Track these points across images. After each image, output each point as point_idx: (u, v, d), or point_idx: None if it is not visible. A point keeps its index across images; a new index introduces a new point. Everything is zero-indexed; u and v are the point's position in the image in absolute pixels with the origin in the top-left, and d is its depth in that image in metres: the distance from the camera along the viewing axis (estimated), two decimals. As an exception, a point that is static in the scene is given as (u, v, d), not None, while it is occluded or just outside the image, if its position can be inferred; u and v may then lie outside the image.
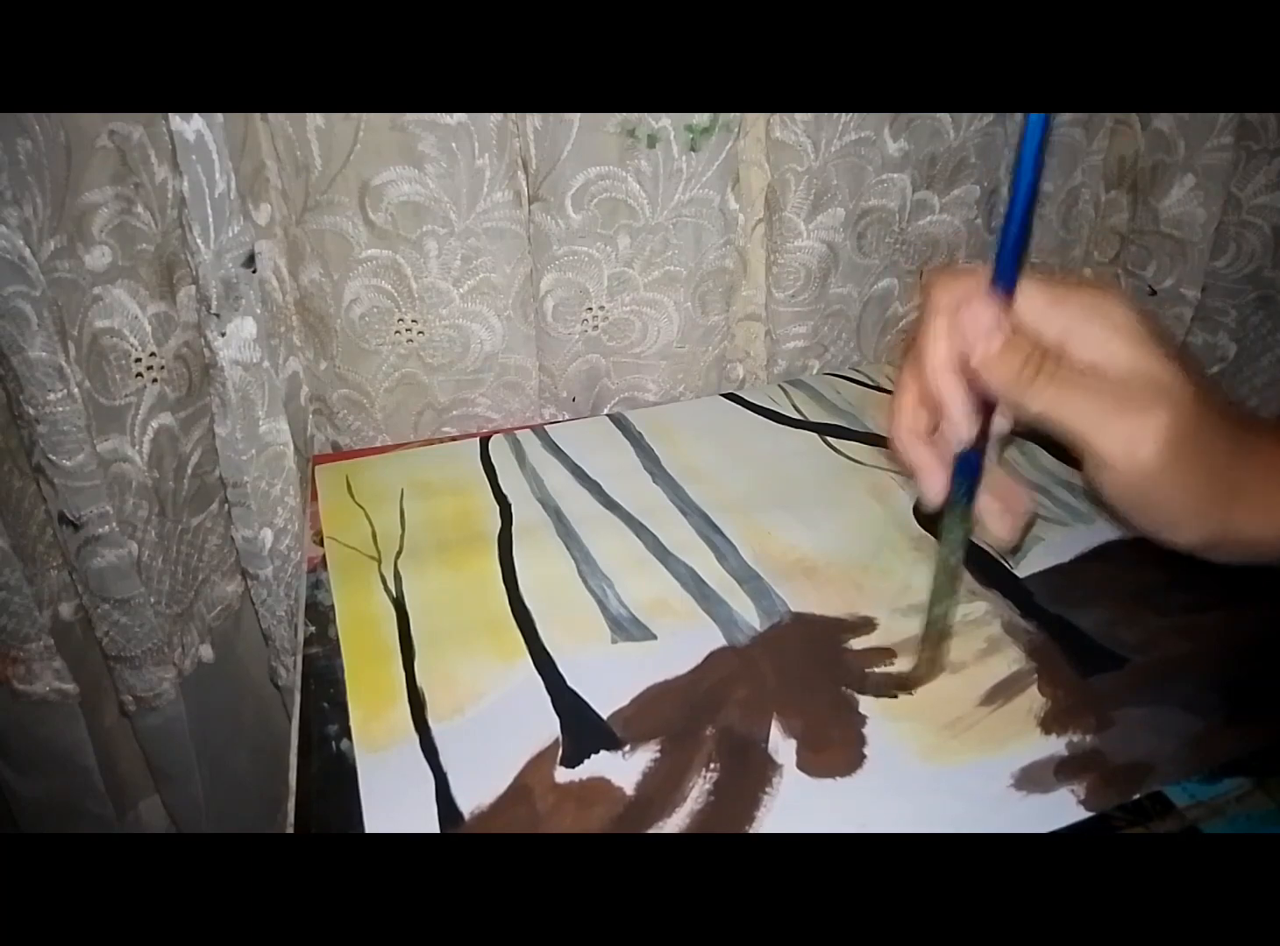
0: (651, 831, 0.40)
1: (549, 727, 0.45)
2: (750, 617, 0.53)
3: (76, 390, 0.55)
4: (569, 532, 0.60)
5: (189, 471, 0.66)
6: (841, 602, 0.54)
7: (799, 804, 0.41)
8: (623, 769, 0.43)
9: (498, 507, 0.63)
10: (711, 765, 0.43)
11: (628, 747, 0.44)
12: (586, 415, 0.78)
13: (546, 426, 0.74)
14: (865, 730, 0.45)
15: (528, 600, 0.54)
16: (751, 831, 0.40)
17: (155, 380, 0.61)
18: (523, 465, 0.68)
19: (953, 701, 0.47)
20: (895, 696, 0.47)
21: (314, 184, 0.63)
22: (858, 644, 0.51)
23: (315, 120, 0.60)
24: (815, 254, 0.76)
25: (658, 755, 0.44)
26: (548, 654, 0.50)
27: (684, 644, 0.51)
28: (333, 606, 0.54)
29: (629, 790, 0.42)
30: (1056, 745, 0.44)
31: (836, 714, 0.46)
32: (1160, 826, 0.40)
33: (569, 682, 0.48)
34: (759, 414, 0.76)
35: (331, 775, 0.43)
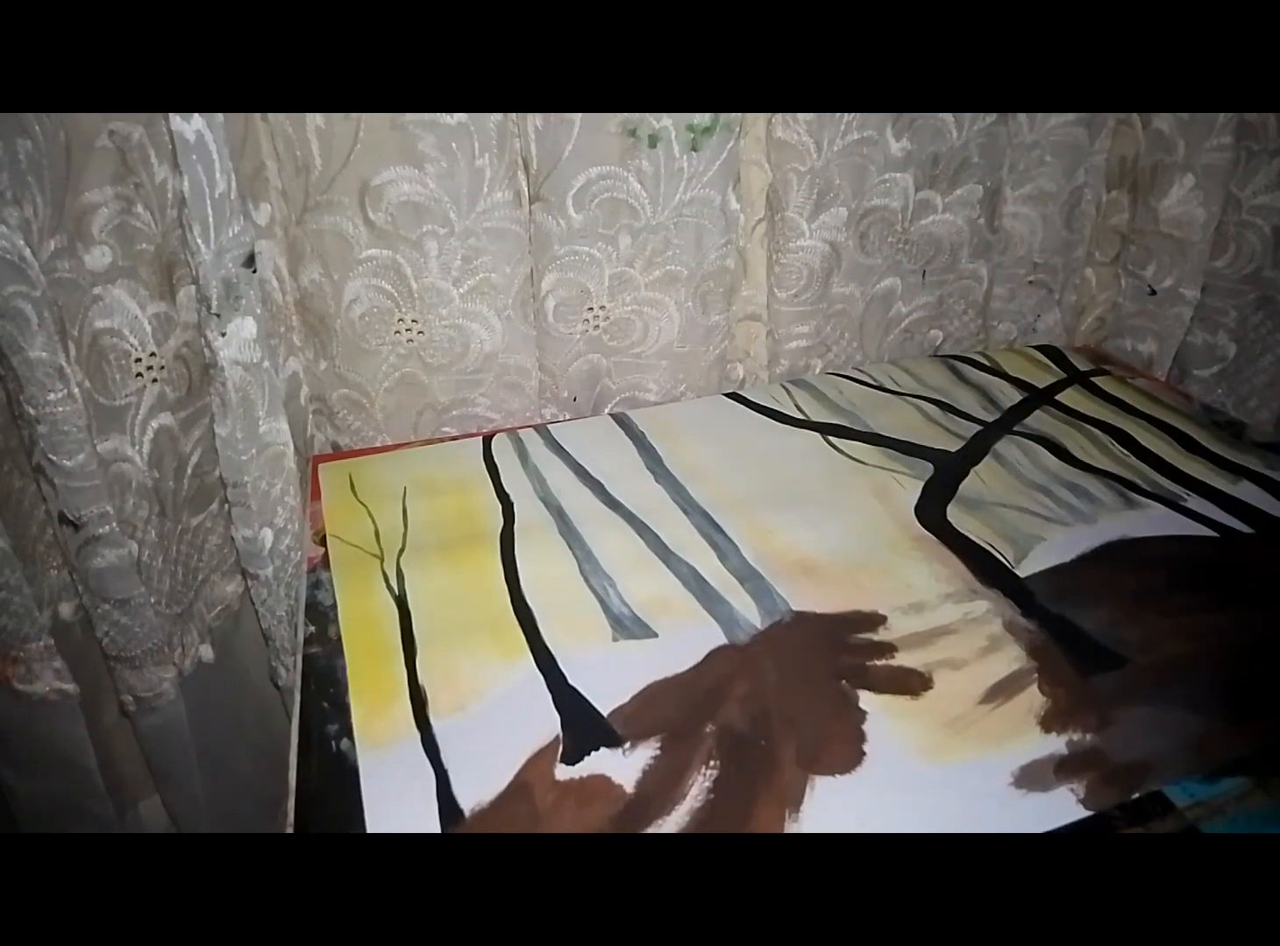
0: (652, 828, 0.40)
1: (550, 725, 0.45)
2: (751, 616, 0.53)
3: (76, 390, 0.55)
4: (571, 531, 0.60)
5: (189, 471, 0.66)
6: (842, 601, 0.54)
7: (799, 801, 0.41)
8: (623, 766, 0.43)
9: (500, 506, 0.63)
10: (712, 762, 0.43)
11: (628, 745, 0.44)
12: (588, 415, 0.78)
13: (549, 425, 0.74)
14: (865, 728, 0.45)
15: (529, 598, 0.54)
16: (751, 828, 0.40)
17: (155, 380, 0.61)
18: (525, 464, 0.68)
19: (953, 699, 0.47)
20: (895, 694, 0.47)
21: (314, 184, 0.63)
22: (858, 642, 0.51)
23: (315, 120, 0.60)
24: (818, 253, 0.76)
25: (658, 753, 0.44)
26: (549, 651, 0.50)
27: (685, 642, 0.51)
28: (333, 606, 0.54)
29: (629, 787, 0.42)
30: (1057, 744, 0.44)
31: (837, 712, 0.46)
32: (1160, 826, 0.40)
33: (570, 680, 0.48)
34: (761, 413, 0.76)
35: (331, 774, 0.43)
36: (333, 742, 0.45)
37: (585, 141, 0.65)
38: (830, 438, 0.71)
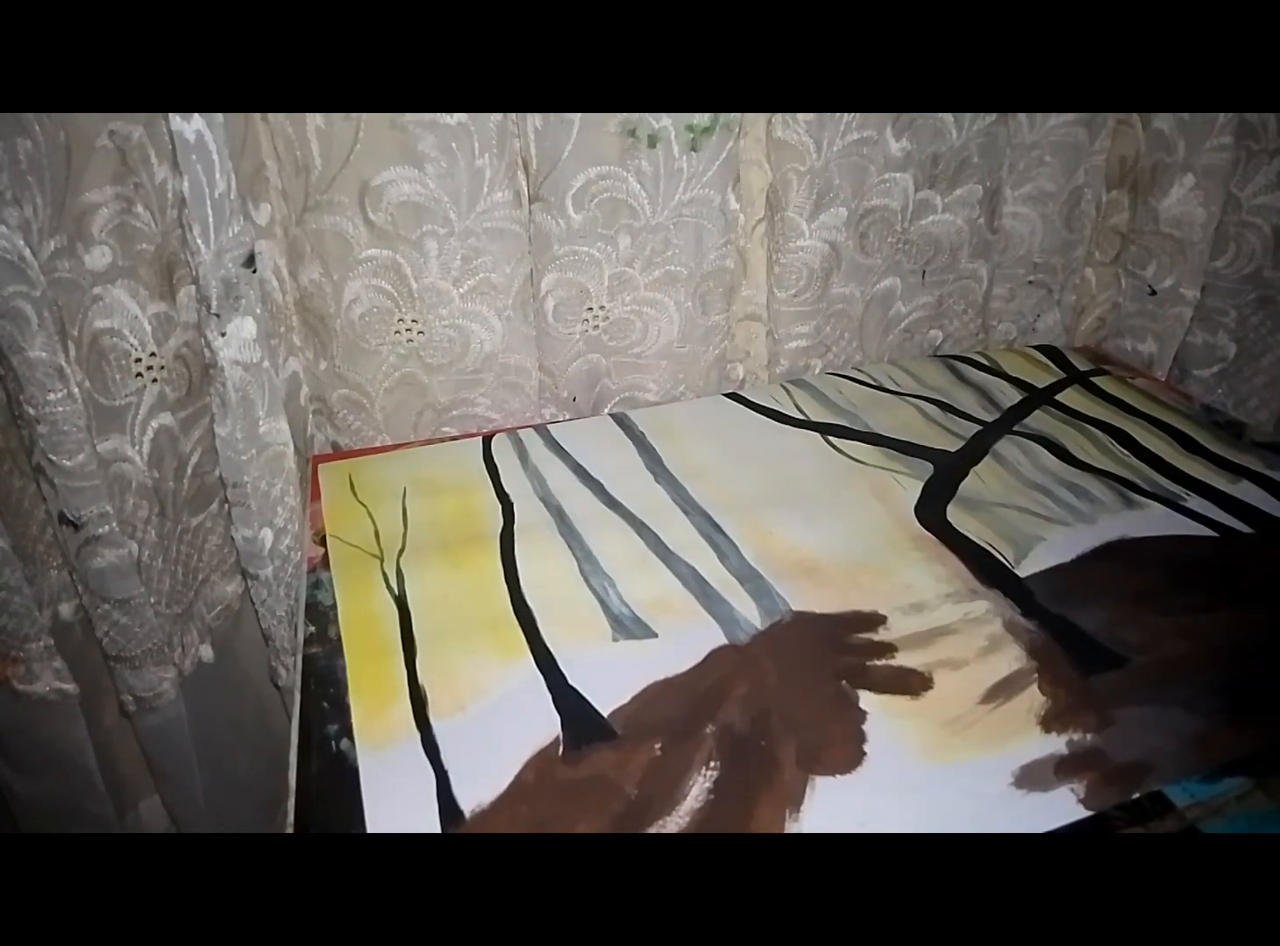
0: (652, 829, 0.40)
1: (550, 725, 0.45)
2: (751, 616, 0.53)
3: (76, 390, 0.55)
4: (571, 531, 0.60)
5: (189, 471, 0.66)
6: (842, 601, 0.54)
7: (799, 801, 0.41)
8: (623, 766, 0.43)
9: (500, 506, 0.63)
10: (712, 763, 0.43)
11: (628, 745, 0.44)
12: (588, 415, 0.78)
13: (549, 425, 0.74)
14: (865, 728, 0.45)
15: (529, 598, 0.54)
16: (751, 828, 0.40)
17: (155, 380, 0.61)
18: (525, 464, 0.68)
19: (953, 699, 0.47)
20: (895, 694, 0.47)
21: (314, 184, 0.63)
22: (858, 642, 0.51)
23: (315, 120, 0.60)
24: (817, 253, 0.76)
25: (658, 753, 0.44)
26: (549, 652, 0.50)
27: (685, 642, 0.51)
28: (333, 606, 0.54)
29: (629, 787, 0.42)
30: (1057, 744, 0.44)
31: (837, 712, 0.46)
32: (1160, 826, 0.40)
33: (570, 680, 0.48)
34: (761, 413, 0.76)
35: (331, 775, 0.43)
36: (333, 742, 0.45)
37: (585, 141, 0.65)
38: (830, 438, 0.71)
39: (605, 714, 0.46)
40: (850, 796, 0.41)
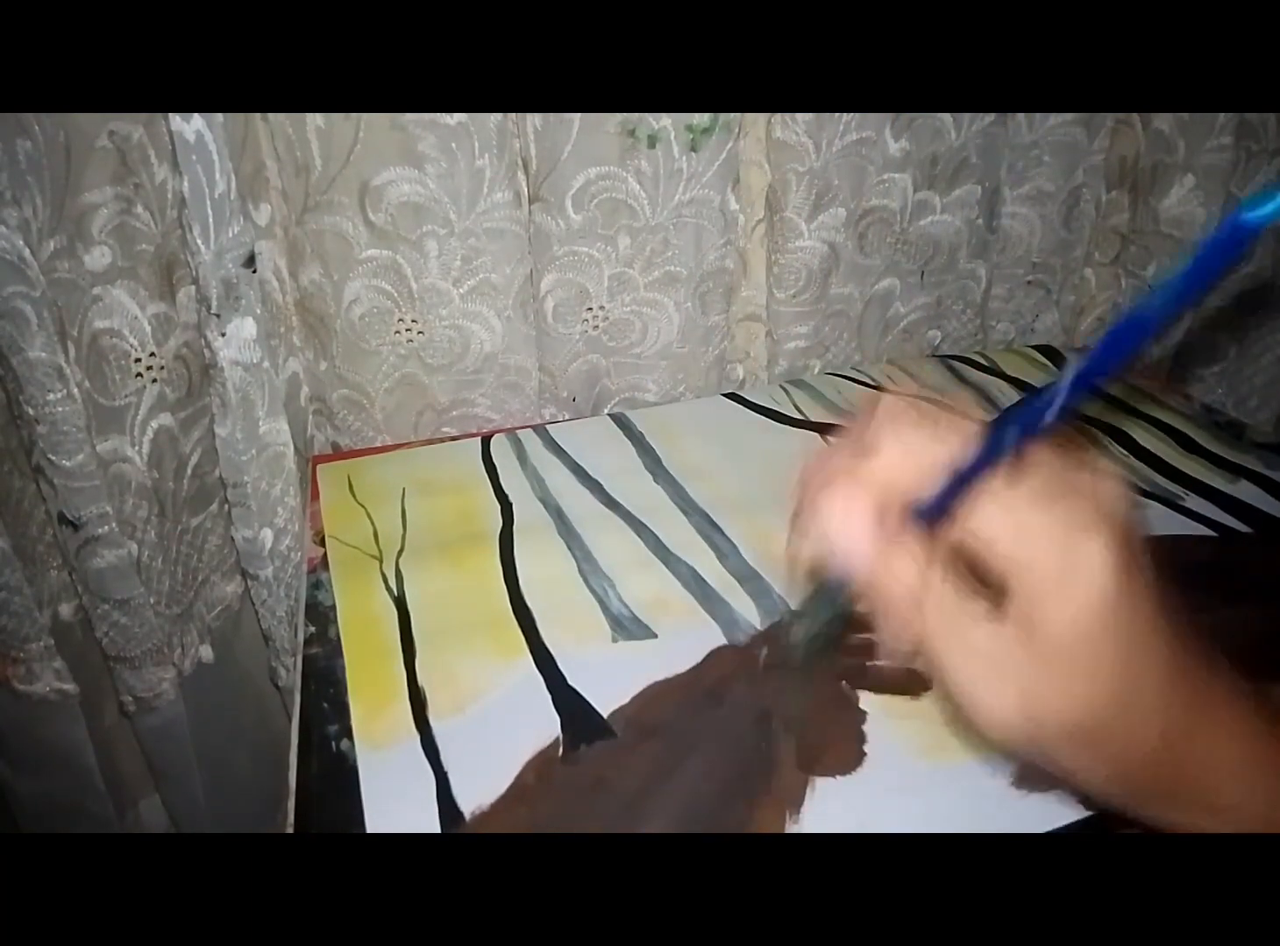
0: (651, 829, 0.40)
1: (550, 726, 0.45)
2: (751, 616, 0.53)
3: (76, 390, 0.55)
4: (570, 532, 0.60)
5: (189, 471, 0.66)
6: (842, 602, 0.54)
7: (799, 801, 0.41)
8: (623, 767, 0.43)
9: (499, 506, 0.63)
10: (712, 763, 0.43)
11: (628, 746, 0.44)
12: (587, 415, 0.78)
13: (548, 426, 0.74)
14: (865, 728, 0.45)
15: (529, 599, 0.54)
16: (751, 828, 0.40)
17: (155, 380, 0.61)
18: (524, 464, 0.68)
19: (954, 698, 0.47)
20: (895, 694, 0.47)
21: (314, 184, 0.63)
22: (858, 642, 0.51)
23: (315, 120, 0.60)
24: (816, 254, 0.76)
25: (658, 753, 0.44)
26: (548, 652, 0.50)
27: (685, 642, 0.51)
28: (333, 606, 0.54)
29: (630, 788, 0.42)
30: (1057, 744, 0.44)
31: (836, 712, 0.46)
32: (1161, 825, 0.40)
33: (570, 681, 0.48)
34: (760, 414, 0.76)
35: (331, 775, 0.43)
36: (333, 743, 0.45)
37: (584, 142, 0.65)
38: (829, 438, 0.71)
39: (605, 714, 0.46)
40: (850, 797, 0.41)
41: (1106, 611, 0.27)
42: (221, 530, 0.71)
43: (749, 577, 0.56)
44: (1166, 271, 0.28)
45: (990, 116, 0.77)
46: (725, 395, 0.79)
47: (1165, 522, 0.61)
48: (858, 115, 0.71)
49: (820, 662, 0.47)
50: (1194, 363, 0.89)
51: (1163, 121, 0.81)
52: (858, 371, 0.83)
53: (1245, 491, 0.64)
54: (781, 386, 0.80)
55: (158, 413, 0.62)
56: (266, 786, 0.75)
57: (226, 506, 0.65)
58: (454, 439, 0.74)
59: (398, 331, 0.70)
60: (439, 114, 0.62)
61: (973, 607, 0.28)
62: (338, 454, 0.73)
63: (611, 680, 0.48)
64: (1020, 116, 0.79)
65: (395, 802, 0.42)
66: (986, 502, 0.26)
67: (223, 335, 0.58)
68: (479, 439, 0.72)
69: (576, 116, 0.64)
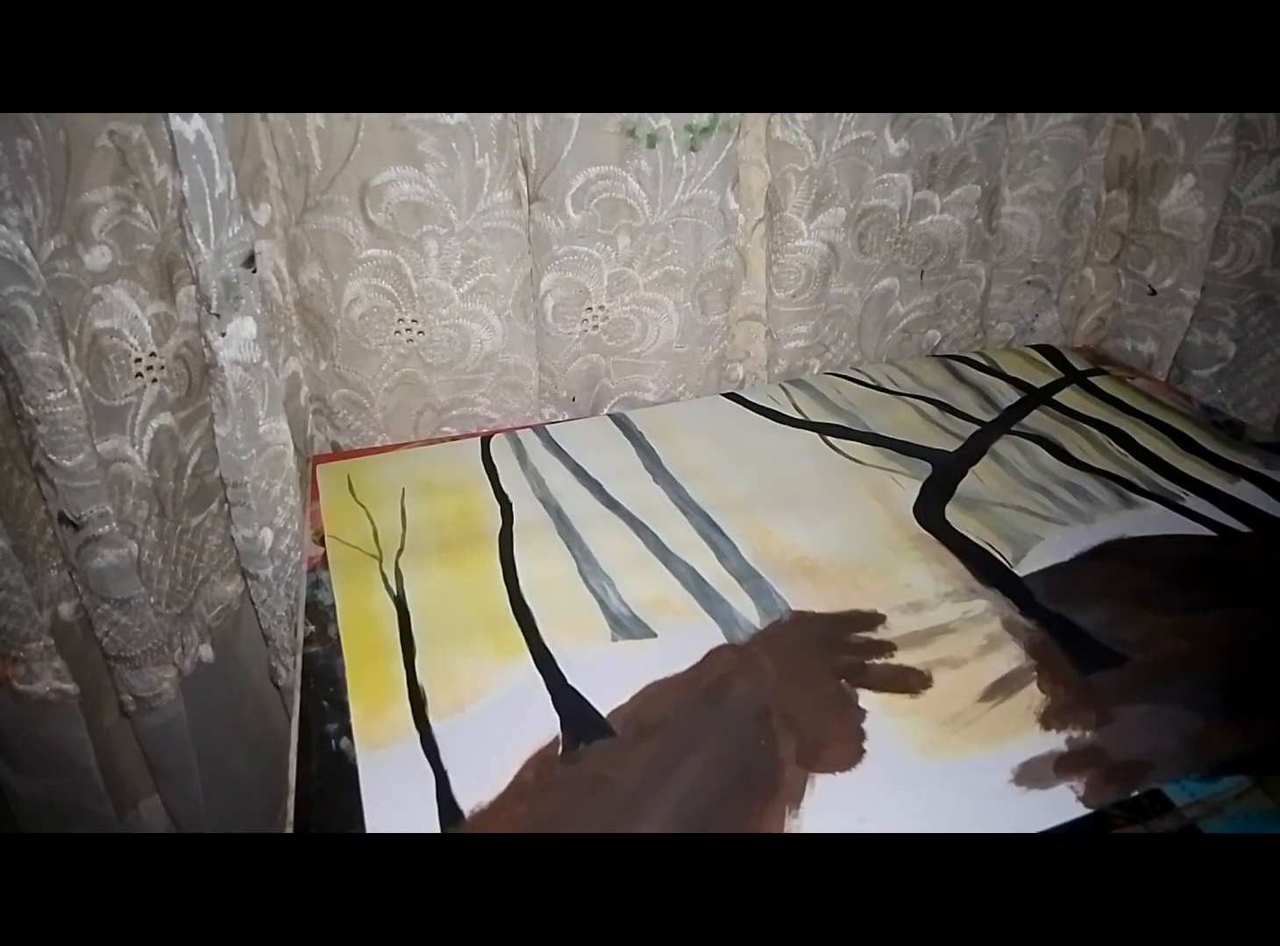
0: (651, 828, 0.40)
1: (549, 725, 0.45)
2: (750, 616, 0.53)
3: (76, 390, 0.55)
4: (570, 531, 0.60)
5: (189, 471, 0.66)
6: (841, 601, 0.54)
7: (799, 800, 0.41)
8: (622, 766, 0.43)
9: (499, 506, 0.63)
10: (712, 762, 0.43)
11: (628, 745, 0.44)
12: (587, 415, 0.78)
13: (547, 426, 0.74)
14: (865, 726, 0.45)
15: (528, 598, 0.54)
16: (751, 828, 0.40)
17: (155, 380, 0.61)
18: (524, 464, 0.69)
19: (953, 697, 0.47)
20: (895, 692, 0.47)
21: (314, 184, 0.63)
22: (857, 641, 0.51)
23: (315, 120, 0.60)
24: (816, 254, 0.76)
25: (658, 753, 0.44)
26: (548, 652, 0.50)
27: (684, 642, 0.51)
28: (333, 606, 0.54)
29: (629, 787, 0.42)
30: (1056, 741, 0.44)
31: (836, 710, 0.46)
32: (1159, 824, 0.40)
33: (569, 680, 0.48)
34: (760, 413, 0.76)
35: (331, 774, 0.43)
36: (332, 742, 0.45)
37: (584, 141, 0.65)
38: (829, 438, 0.72)
39: (604, 713, 0.46)
40: (850, 794, 0.42)
41: None
42: (221, 530, 0.71)
43: (748, 577, 0.56)
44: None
45: (990, 116, 0.77)
46: (725, 395, 0.79)
47: (1165, 523, 0.61)
48: (857, 115, 0.71)
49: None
50: (1193, 363, 0.89)
51: (1163, 121, 0.81)
52: (857, 371, 0.83)
53: (1244, 491, 0.64)
54: (781, 386, 0.80)
55: (158, 412, 0.62)
56: (266, 786, 0.75)
57: (226, 506, 0.65)
58: (454, 439, 0.74)
59: (398, 331, 0.70)
60: (439, 114, 0.62)
61: None
62: (338, 453, 0.73)
63: (611, 679, 0.48)
64: (1020, 116, 0.80)
65: (395, 801, 0.42)
66: None
67: (223, 335, 0.58)
68: (479, 439, 0.72)
69: (576, 116, 0.64)
